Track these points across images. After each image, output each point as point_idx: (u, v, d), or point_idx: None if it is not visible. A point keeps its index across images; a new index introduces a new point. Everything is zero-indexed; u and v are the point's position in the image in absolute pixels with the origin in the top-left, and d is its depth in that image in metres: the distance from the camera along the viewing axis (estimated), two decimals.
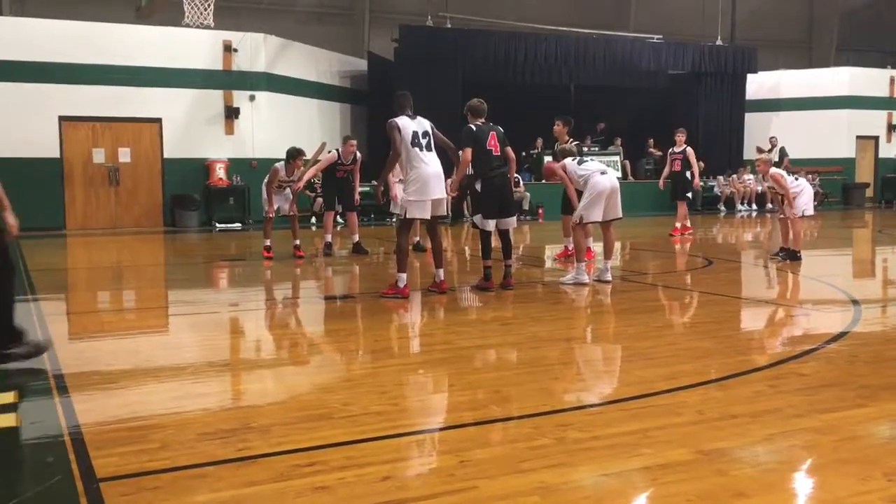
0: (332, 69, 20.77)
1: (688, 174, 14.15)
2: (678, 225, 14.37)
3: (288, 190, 10.96)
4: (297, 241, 11.15)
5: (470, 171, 7.84)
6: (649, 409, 4.01)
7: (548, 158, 9.88)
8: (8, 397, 4.28)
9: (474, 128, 7.90)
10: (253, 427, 3.76)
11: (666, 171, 14.74)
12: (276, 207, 10.90)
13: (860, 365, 4.95)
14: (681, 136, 14.37)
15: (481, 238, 8.00)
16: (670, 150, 14.58)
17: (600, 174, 8.33)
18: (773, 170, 10.19)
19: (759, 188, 22.70)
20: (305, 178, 11.22)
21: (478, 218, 8.02)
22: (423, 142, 7.49)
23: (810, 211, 10.22)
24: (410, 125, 7.47)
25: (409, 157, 7.43)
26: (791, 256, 10.10)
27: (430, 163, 7.49)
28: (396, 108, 7.59)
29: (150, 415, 4.00)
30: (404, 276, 7.50)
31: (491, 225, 7.96)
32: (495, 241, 8.07)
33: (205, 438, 3.60)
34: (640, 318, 6.60)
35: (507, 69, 22.05)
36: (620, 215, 8.47)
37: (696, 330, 6.12)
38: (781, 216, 10.32)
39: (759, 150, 24.10)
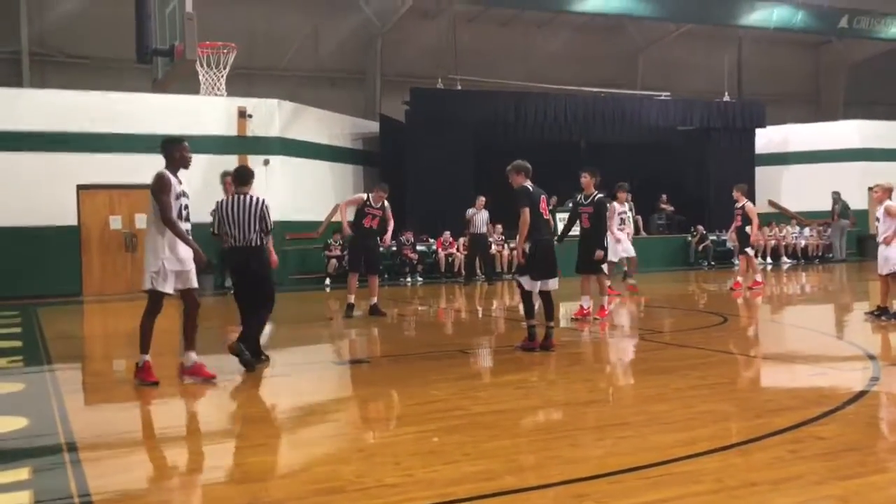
0: (344, 132, 21.05)
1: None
2: None
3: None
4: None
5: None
6: (668, 478, 3.95)
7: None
8: (22, 473, 4.27)
9: (531, 188, 7.84)
10: (265, 503, 3.72)
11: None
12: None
13: (881, 427, 4.87)
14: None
15: (524, 299, 7.92)
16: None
17: None
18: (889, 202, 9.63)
19: (784, 238, 22.63)
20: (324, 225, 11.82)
21: (525, 279, 7.89)
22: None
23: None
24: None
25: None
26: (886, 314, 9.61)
27: None
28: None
29: (161, 488, 3.97)
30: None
31: (537, 286, 7.89)
32: (536, 302, 8.03)
33: None
34: (656, 379, 6.54)
35: (517, 128, 22.28)
36: None
37: (714, 391, 6.05)
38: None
39: (772, 204, 24.21)
